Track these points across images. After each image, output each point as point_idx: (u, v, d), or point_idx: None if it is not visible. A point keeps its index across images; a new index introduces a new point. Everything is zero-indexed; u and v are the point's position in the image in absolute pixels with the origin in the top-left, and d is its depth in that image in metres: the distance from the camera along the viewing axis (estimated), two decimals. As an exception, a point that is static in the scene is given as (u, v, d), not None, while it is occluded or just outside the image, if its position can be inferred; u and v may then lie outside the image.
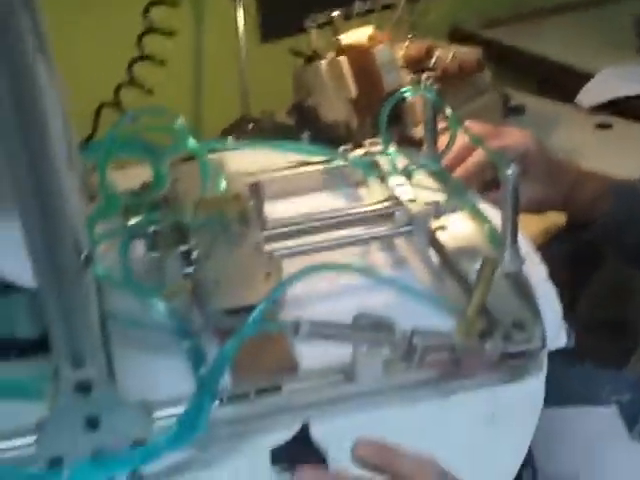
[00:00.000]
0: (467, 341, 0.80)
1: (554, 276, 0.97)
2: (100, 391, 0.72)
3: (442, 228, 0.99)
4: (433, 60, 1.41)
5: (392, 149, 1.12)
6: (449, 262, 0.95)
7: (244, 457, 0.78)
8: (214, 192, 1.04)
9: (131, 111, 1.07)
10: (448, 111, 1.06)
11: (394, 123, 1.21)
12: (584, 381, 1.26)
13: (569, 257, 1.52)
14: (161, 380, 0.86)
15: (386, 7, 1.93)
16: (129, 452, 0.74)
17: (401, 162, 1.11)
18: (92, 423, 0.74)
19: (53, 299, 0.67)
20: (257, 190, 1.04)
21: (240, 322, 0.77)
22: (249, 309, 0.79)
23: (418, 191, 1.05)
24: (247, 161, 1.15)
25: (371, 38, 1.33)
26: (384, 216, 1.01)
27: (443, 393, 0.82)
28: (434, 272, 0.98)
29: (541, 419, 1.21)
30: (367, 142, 1.18)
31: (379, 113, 1.12)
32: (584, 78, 1.88)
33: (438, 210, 0.99)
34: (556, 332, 0.89)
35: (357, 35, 1.35)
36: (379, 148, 1.15)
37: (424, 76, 1.11)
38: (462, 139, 1.15)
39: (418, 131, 1.35)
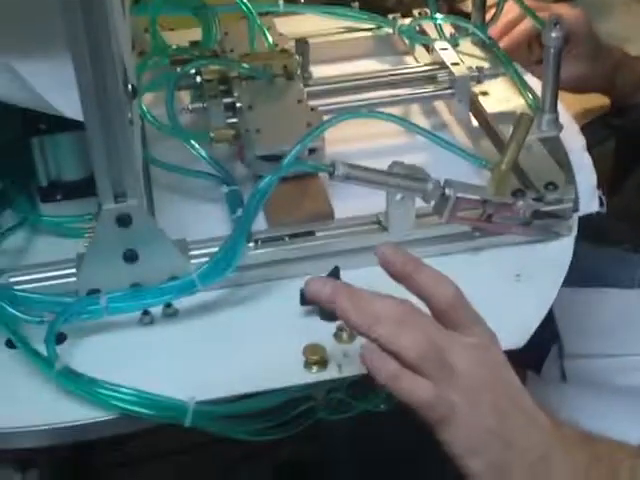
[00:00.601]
0: (499, 196, 0.80)
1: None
2: (139, 224, 0.74)
3: (484, 93, 0.99)
4: None
5: (440, 16, 1.10)
6: (488, 125, 0.95)
7: (275, 298, 0.80)
8: (262, 48, 1.05)
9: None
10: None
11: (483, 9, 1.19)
12: (616, 263, 1.26)
13: (610, 143, 1.51)
14: (200, 222, 0.88)
15: None
16: (164, 285, 0.76)
17: (448, 30, 1.11)
18: (130, 256, 0.76)
19: (98, 129, 0.69)
20: (304, 47, 1.03)
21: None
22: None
23: (463, 57, 1.05)
24: (296, 25, 1.15)
25: None
26: (428, 78, 1.02)
27: (473, 248, 0.84)
28: (472, 134, 0.98)
29: (570, 298, 1.23)
30: (416, 11, 1.17)
31: None
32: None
33: (480, 75, 0.99)
34: (589, 198, 0.89)
35: None
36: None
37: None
38: (511, 11, 1.14)
39: (468, 4, 1.33)
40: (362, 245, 0.81)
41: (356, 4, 1.23)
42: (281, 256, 0.81)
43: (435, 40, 1.08)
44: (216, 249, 0.77)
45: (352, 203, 0.84)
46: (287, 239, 0.81)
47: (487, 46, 1.08)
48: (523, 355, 0.78)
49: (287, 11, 1.15)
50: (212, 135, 0.91)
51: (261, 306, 0.79)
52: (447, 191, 0.78)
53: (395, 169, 0.78)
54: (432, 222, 0.81)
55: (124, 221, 0.74)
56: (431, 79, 1.01)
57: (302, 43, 1.04)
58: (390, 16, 1.16)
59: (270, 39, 1.06)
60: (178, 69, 0.99)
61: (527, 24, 1.12)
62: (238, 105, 0.95)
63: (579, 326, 1.18)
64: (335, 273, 0.78)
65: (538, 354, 1.16)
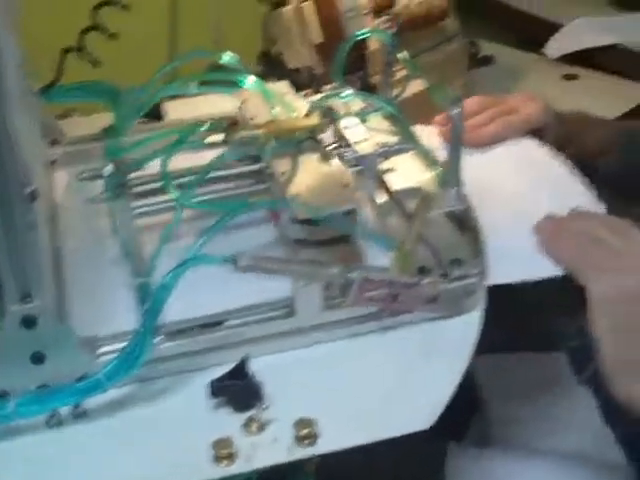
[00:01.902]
0: (404, 276, 0.80)
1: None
2: (46, 326, 0.72)
3: (391, 170, 0.99)
4: (399, 6, 1.39)
5: (348, 92, 1.10)
6: (395, 201, 0.95)
7: (185, 391, 0.78)
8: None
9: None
10: (402, 55, 1.06)
11: (357, 70, 1.20)
12: (534, 327, 1.27)
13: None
14: (112, 316, 0.85)
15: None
16: (72, 386, 0.74)
17: (357, 105, 1.11)
18: (37, 358, 0.74)
19: (-1, 233, 0.67)
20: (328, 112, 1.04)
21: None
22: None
23: (372, 132, 1.05)
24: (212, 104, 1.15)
25: (337, -16, 1.32)
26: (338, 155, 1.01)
27: (381, 328, 0.83)
28: (381, 211, 0.98)
29: (493, 364, 1.23)
30: (327, 87, 1.17)
31: (344, 56, 1.12)
32: (554, 29, 1.87)
33: (388, 151, 0.99)
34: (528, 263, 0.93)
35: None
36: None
37: (381, 20, 1.10)
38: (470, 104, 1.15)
39: (376, 80, 1.35)
40: (271, 332, 0.80)
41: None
42: (190, 348, 0.80)
43: (343, 116, 1.08)
44: (126, 343, 0.75)
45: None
46: (196, 329, 0.80)
47: (397, 120, 1.08)
48: (444, 426, 0.79)
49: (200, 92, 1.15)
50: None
51: (171, 400, 0.77)
52: (352, 274, 0.77)
53: (299, 256, 0.77)
54: (339, 303, 0.81)
55: (30, 323, 0.72)
56: (339, 157, 1.01)
57: (329, 108, 1.04)
58: (301, 94, 1.16)
59: (289, 104, 1.05)
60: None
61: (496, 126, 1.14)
62: (269, 171, 0.95)
63: (504, 391, 1.18)
64: (243, 364, 0.77)
65: (461, 423, 1.16)
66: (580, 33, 1.81)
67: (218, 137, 0.98)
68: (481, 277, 0.85)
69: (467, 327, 0.84)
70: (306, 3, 1.30)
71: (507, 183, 1.05)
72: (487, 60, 1.84)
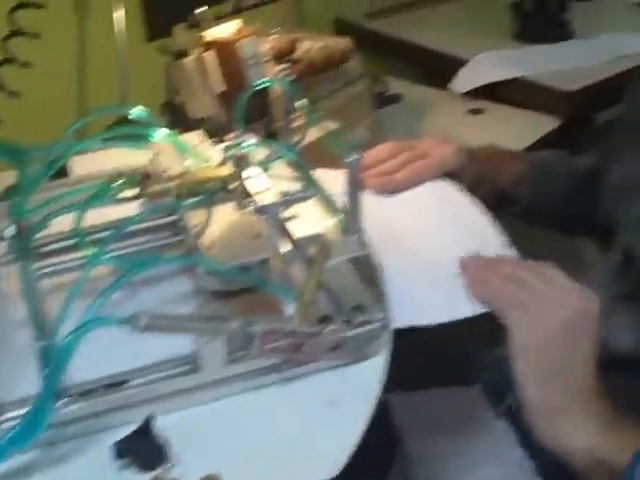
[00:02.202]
0: (305, 325, 0.81)
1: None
2: None
3: (294, 217, 1.00)
4: (299, 52, 1.42)
5: (251, 141, 1.12)
6: (299, 249, 0.96)
7: (90, 454, 0.78)
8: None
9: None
10: (300, 103, 1.08)
11: (260, 117, 1.21)
12: (449, 361, 1.28)
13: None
14: (17, 381, 0.85)
15: (274, 0, 1.97)
16: None
17: (262, 153, 1.12)
18: None
19: None
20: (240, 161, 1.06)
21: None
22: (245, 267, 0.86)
23: (275, 181, 1.06)
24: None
25: (237, 33, 1.34)
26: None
27: (286, 378, 0.84)
28: (285, 259, 0.99)
29: (410, 401, 1.24)
30: (230, 136, 1.18)
31: (244, 104, 1.13)
32: (460, 64, 1.91)
33: (289, 199, 1.01)
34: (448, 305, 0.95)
35: (223, 30, 1.35)
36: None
37: (280, 67, 1.12)
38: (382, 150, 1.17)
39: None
40: (176, 388, 0.80)
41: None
42: (94, 409, 0.79)
43: (246, 166, 1.09)
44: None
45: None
46: (100, 390, 0.80)
47: (298, 168, 1.09)
48: (365, 467, 0.80)
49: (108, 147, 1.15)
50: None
51: (76, 464, 0.77)
52: (253, 327, 0.78)
53: (199, 312, 0.78)
54: (243, 357, 0.81)
55: None
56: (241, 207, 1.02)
57: (240, 157, 1.06)
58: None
59: (201, 154, 1.08)
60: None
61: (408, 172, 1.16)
62: (183, 223, 0.96)
63: (422, 428, 1.19)
64: (148, 423, 0.77)
65: (382, 463, 1.17)
66: (484, 68, 1.85)
67: (131, 191, 0.99)
68: (384, 322, 0.86)
69: (372, 372, 0.85)
70: (207, 53, 1.32)
71: (417, 226, 1.07)
72: (395, 98, 1.88)
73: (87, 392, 0.79)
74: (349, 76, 1.54)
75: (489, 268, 0.97)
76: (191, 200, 0.98)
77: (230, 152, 1.10)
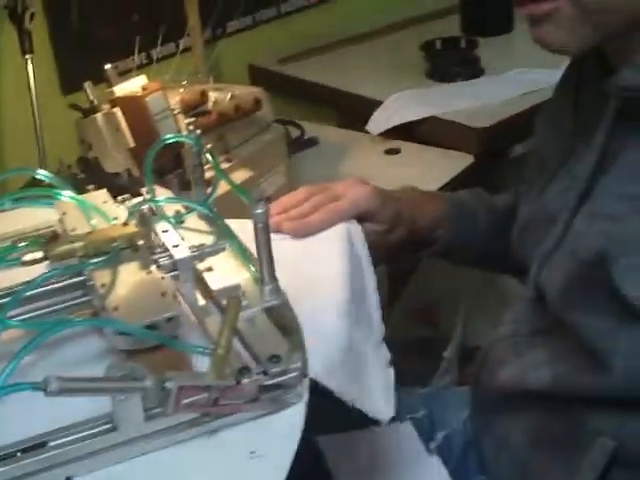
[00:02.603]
0: (221, 380, 0.81)
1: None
2: None
3: (209, 269, 1.01)
4: (209, 103, 1.43)
5: (161, 197, 1.13)
6: (215, 302, 0.97)
7: None
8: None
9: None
10: (207, 157, 1.09)
11: (174, 169, 1.23)
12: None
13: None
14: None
15: (186, 50, 1.99)
16: None
17: (172, 208, 1.13)
18: None
19: None
20: (145, 219, 1.06)
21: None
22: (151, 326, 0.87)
23: (189, 234, 1.07)
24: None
25: (144, 87, 1.35)
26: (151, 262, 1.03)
27: (206, 432, 0.84)
28: (200, 313, 1.00)
29: (340, 442, 1.25)
30: (144, 190, 1.19)
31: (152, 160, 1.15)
32: (375, 105, 1.94)
33: (202, 253, 1.01)
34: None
35: (131, 85, 1.36)
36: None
37: (188, 121, 1.13)
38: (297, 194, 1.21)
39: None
40: (94, 449, 0.80)
41: (91, 186, 1.25)
42: (13, 474, 0.78)
43: (158, 221, 1.10)
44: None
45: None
46: (19, 454, 0.79)
47: (212, 220, 1.11)
48: None
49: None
50: (72, 317, 0.95)
51: None
52: (167, 384, 0.78)
53: (112, 372, 0.78)
54: (161, 413, 0.81)
55: None
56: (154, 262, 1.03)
57: (143, 215, 1.07)
58: (119, 198, 1.18)
59: (107, 213, 1.08)
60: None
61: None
62: (90, 283, 0.96)
63: (352, 468, 1.20)
64: None
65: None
66: (398, 108, 1.88)
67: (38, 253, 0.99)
68: (301, 371, 0.87)
69: (291, 420, 0.85)
70: (116, 109, 1.33)
71: (323, 269, 1.08)
72: (311, 142, 1.90)
73: (4, 457, 0.79)
74: (262, 123, 1.56)
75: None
76: (96, 260, 0.98)
77: (135, 209, 1.11)
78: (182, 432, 0.83)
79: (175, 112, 1.35)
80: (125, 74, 1.49)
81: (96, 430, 0.81)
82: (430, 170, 1.70)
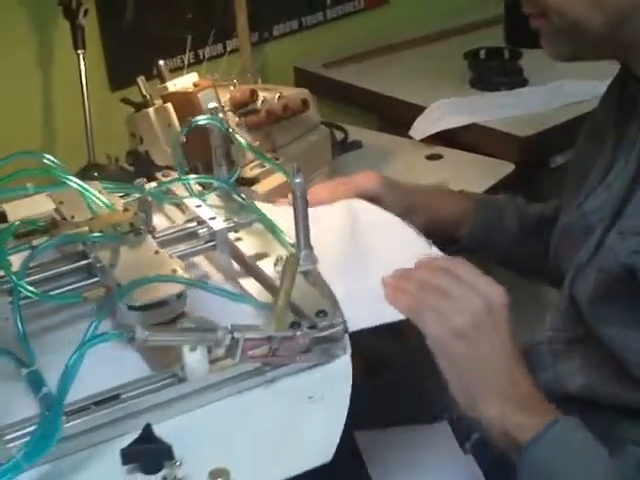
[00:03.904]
0: (280, 331, 0.92)
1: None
2: None
3: (239, 239, 1.12)
4: (258, 102, 1.47)
5: (189, 175, 1.23)
6: (248, 266, 1.08)
7: (98, 464, 0.87)
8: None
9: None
10: (238, 138, 1.20)
11: (227, 164, 1.27)
12: (417, 400, 1.32)
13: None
14: (10, 405, 0.93)
15: (233, 51, 2.03)
16: None
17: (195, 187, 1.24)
18: None
19: None
20: (146, 204, 1.14)
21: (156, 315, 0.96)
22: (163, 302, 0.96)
23: (216, 210, 1.18)
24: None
25: (196, 84, 1.40)
26: (187, 235, 1.14)
27: (266, 381, 0.95)
28: (236, 278, 1.11)
29: (375, 439, 1.28)
30: (160, 174, 1.30)
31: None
32: (418, 111, 1.97)
33: (237, 224, 1.12)
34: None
35: (183, 82, 1.41)
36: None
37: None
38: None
39: (247, 171, 1.42)
40: (165, 399, 0.90)
41: (140, 180, 1.29)
42: (93, 424, 0.87)
43: (185, 198, 1.20)
44: (30, 429, 0.84)
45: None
46: (93, 407, 0.88)
47: (232, 197, 1.21)
48: None
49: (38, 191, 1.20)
50: (85, 295, 1.02)
51: (85, 474, 0.85)
52: (235, 335, 0.89)
53: (184, 325, 0.88)
54: (224, 365, 0.93)
55: None
56: (191, 235, 1.13)
57: (144, 201, 1.13)
58: (136, 181, 1.24)
59: (106, 201, 1.14)
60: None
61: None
62: (99, 265, 1.04)
63: (388, 465, 1.23)
64: (147, 430, 0.86)
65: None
66: (441, 115, 1.92)
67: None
68: (344, 324, 0.98)
69: (342, 369, 0.97)
70: (168, 104, 1.37)
71: (334, 238, 1.18)
72: (355, 145, 1.94)
73: (82, 408, 0.88)
74: (309, 124, 1.60)
75: (406, 278, 1.07)
76: (100, 234, 1.06)
77: (164, 186, 1.23)
78: (243, 382, 0.95)
79: (225, 109, 1.39)
80: (173, 72, 1.53)
81: (166, 382, 0.91)
82: (471, 177, 1.73)
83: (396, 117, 2.07)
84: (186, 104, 1.37)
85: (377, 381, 1.47)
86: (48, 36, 1.83)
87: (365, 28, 2.48)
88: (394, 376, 1.41)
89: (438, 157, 1.87)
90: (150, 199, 1.15)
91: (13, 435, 0.85)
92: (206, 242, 1.12)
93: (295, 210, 1.02)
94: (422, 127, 1.92)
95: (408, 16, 2.53)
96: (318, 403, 0.93)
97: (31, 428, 0.84)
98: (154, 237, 1.10)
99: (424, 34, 2.47)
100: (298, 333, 0.93)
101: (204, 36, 1.86)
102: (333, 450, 0.88)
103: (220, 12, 2.06)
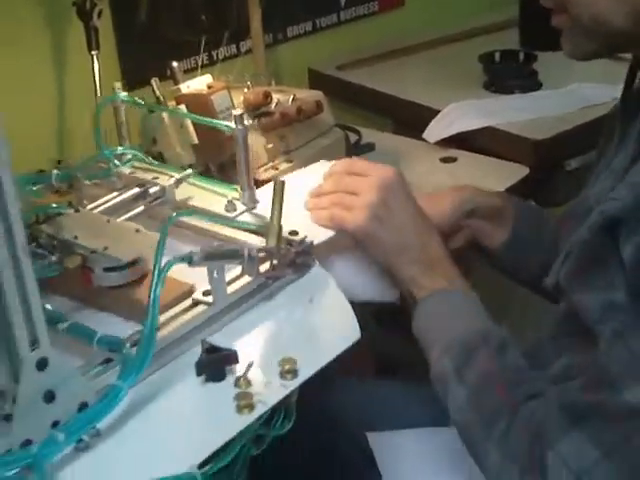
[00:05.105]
0: (278, 246, 1.13)
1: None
2: (55, 365, 0.87)
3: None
4: (273, 104, 1.48)
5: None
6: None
7: (174, 379, 1.01)
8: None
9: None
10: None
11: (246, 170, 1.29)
12: (430, 401, 1.33)
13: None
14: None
15: (247, 52, 2.03)
16: (96, 406, 0.91)
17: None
18: (49, 397, 0.87)
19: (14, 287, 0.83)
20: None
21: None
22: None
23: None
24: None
25: (210, 86, 1.40)
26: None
27: (270, 293, 1.15)
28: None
29: (389, 441, 1.29)
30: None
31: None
32: (433, 114, 1.97)
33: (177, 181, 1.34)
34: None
35: (196, 83, 1.41)
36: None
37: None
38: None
39: (261, 173, 1.43)
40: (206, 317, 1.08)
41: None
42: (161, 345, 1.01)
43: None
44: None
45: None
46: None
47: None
48: None
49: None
50: (67, 265, 1.10)
51: (166, 389, 0.99)
52: (252, 253, 1.09)
53: (219, 247, 1.09)
54: (236, 287, 1.11)
55: (43, 364, 0.86)
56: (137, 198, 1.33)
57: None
58: None
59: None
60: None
61: None
62: (65, 238, 1.13)
63: (399, 465, 1.24)
64: (207, 343, 1.02)
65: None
66: (455, 117, 1.92)
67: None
68: (310, 239, 1.19)
69: (319, 273, 1.19)
70: (182, 105, 1.38)
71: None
72: (369, 147, 1.94)
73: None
74: (323, 126, 1.61)
75: (318, 195, 1.29)
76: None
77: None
78: (254, 297, 1.14)
79: (238, 111, 1.39)
80: (186, 73, 1.54)
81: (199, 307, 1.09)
82: (485, 180, 1.73)
83: (410, 119, 2.07)
84: (200, 106, 1.37)
85: (390, 382, 1.47)
86: (62, 36, 1.83)
87: (379, 30, 2.48)
88: (407, 377, 1.42)
89: (452, 160, 1.86)
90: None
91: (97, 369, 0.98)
92: (154, 200, 1.29)
93: (238, 155, 1.25)
94: (436, 130, 1.92)
95: (422, 18, 2.54)
96: (320, 302, 1.14)
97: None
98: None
99: (438, 37, 2.48)
100: (289, 247, 1.15)
101: (218, 37, 1.87)
102: (358, 329, 1.09)
103: (234, 13, 2.06)
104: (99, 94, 1.70)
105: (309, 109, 1.52)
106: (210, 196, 1.34)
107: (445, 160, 1.87)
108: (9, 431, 0.86)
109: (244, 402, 0.96)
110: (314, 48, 2.36)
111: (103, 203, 1.30)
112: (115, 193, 1.33)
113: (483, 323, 1.13)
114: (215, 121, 1.33)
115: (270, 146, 1.48)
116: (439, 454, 1.26)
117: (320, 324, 1.12)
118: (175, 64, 1.46)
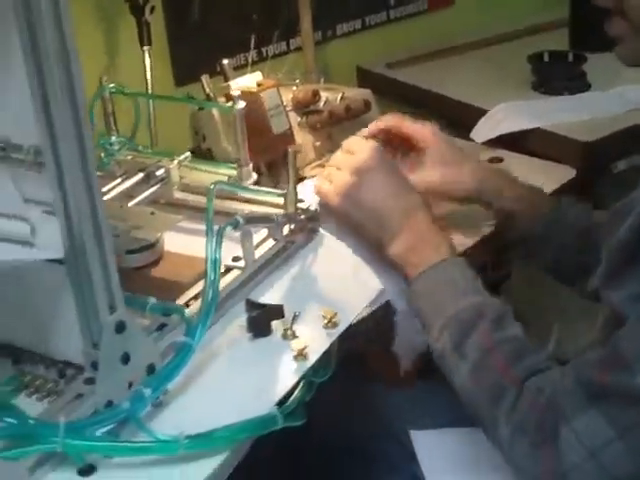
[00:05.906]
0: (296, 213, 1.27)
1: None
2: (132, 328, 0.94)
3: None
4: (321, 102, 1.49)
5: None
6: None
7: (230, 335, 1.14)
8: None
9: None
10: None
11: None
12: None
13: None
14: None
15: (296, 49, 2.05)
16: (172, 362, 0.99)
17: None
18: (125, 359, 0.93)
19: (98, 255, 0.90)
20: None
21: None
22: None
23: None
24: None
25: (259, 84, 1.42)
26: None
27: (287, 256, 1.29)
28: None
29: (432, 439, 1.29)
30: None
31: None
32: (481, 114, 1.97)
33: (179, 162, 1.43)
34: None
35: (246, 81, 1.43)
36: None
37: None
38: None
39: (308, 170, 1.44)
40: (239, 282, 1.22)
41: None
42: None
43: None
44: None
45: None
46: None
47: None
48: None
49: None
50: None
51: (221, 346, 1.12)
52: (280, 219, 1.24)
53: (254, 214, 1.25)
54: (259, 252, 1.25)
55: (121, 327, 0.92)
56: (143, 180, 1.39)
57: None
58: None
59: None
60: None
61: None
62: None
63: (440, 464, 1.24)
64: (250, 301, 1.15)
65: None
66: (503, 118, 1.91)
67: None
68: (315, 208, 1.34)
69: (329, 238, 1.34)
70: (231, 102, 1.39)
71: None
72: (416, 146, 1.93)
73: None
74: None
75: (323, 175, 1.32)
76: None
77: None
78: (273, 263, 1.27)
79: (288, 109, 1.41)
80: (236, 70, 1.55)
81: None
82: (532, 181, 1.70)
83: (458, 119, 2.06)
84: (249, 103, 1.38)
85: (430, 382, 1.48)
86: (114, 32, 1.85)
87: (428, 29, 2.49)
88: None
89: (499, 160, 1.85)
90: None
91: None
92: (159, 182, 1.34)
93: (235, 131, 1.33)
94: (484, 130, 1.92)
95: (472, 18, 2.53)
96: (338, 257, 1.29)
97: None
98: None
99: (488, 36, 2.47)
100: (303, 216, 1.28)
101: (268, 35, 1.88)
102: (378, 281, 1.25)
103: (284, 11, 2.07)
104: (150, 90, 1.72)
105: (357, 108, 1.53)
106: (210, 177, 1.40)
107: (491, 160, 1.86)
108: (92, 394, 0.92)
109: (298, 351, 1.09)
110: (363, 46, 2.37)
111: (109, 190, 1.35)
112: (119, 180, 1.38)
113: (475, 294, 1.15)
114: (210, 103, 1.46)
115: (318, 144, 1.49)
116: (480, 454, 1.26)
117: (342, 279, 1.26)
118: (225, 61, 1.48)
